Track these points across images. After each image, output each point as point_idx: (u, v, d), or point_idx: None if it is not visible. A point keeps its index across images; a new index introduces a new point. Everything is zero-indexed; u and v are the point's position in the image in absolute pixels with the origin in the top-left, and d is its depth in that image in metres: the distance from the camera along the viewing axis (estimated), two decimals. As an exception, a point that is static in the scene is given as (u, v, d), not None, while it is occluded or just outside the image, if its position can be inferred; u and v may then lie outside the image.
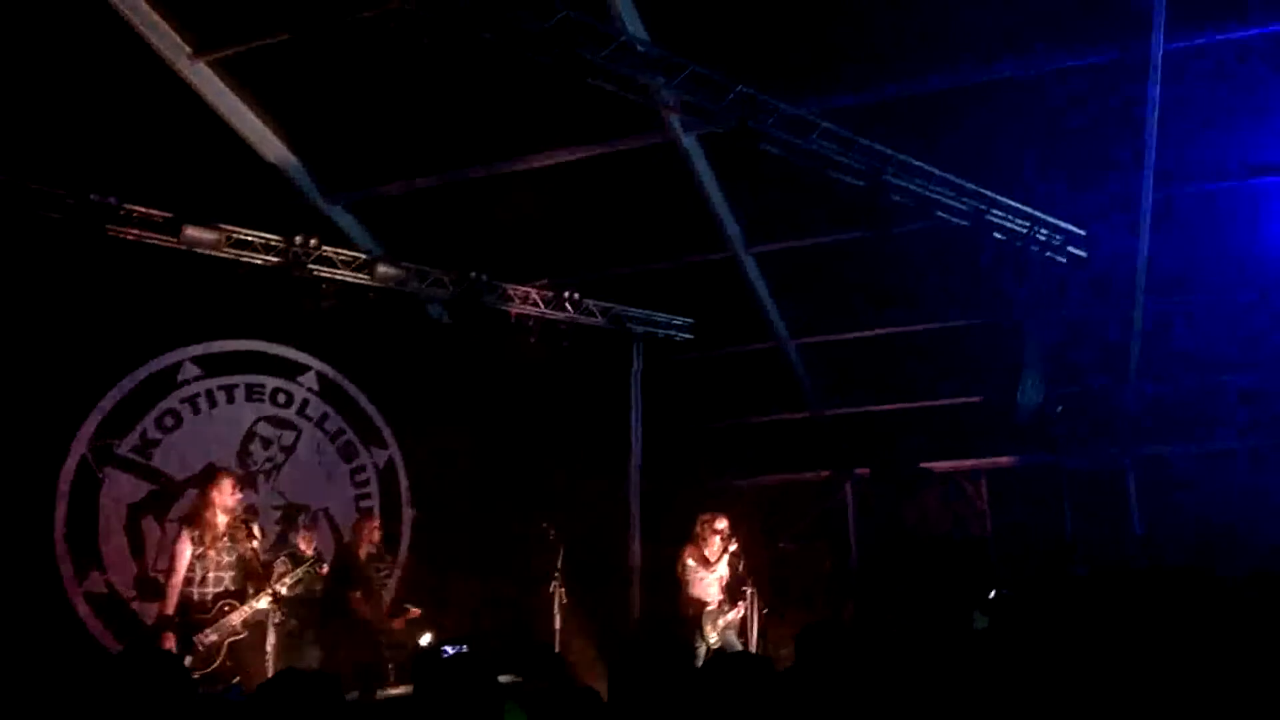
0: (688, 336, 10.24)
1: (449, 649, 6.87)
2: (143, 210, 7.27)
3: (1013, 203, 8.24)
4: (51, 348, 7.24)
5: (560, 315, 9.44)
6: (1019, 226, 8.34)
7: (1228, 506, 9.47)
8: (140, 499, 7.73)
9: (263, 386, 8.58)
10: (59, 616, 7.14)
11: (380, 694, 6.97)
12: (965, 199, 8.03)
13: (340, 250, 8.37)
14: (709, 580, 8.24)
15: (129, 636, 7.33)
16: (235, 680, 6.33)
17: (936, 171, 7.81)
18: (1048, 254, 8.57)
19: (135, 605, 7.52)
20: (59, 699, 6.20)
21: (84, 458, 7.48)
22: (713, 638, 8.02)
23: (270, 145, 8.48)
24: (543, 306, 9.38)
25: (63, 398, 7.44)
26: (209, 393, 8.24)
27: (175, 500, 7.82)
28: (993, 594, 7.19)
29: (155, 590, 7.33)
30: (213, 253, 7.65)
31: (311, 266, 8.08)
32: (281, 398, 8.69)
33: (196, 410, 8.14)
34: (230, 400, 8.37)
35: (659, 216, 9.26)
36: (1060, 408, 8.97)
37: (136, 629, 7.37)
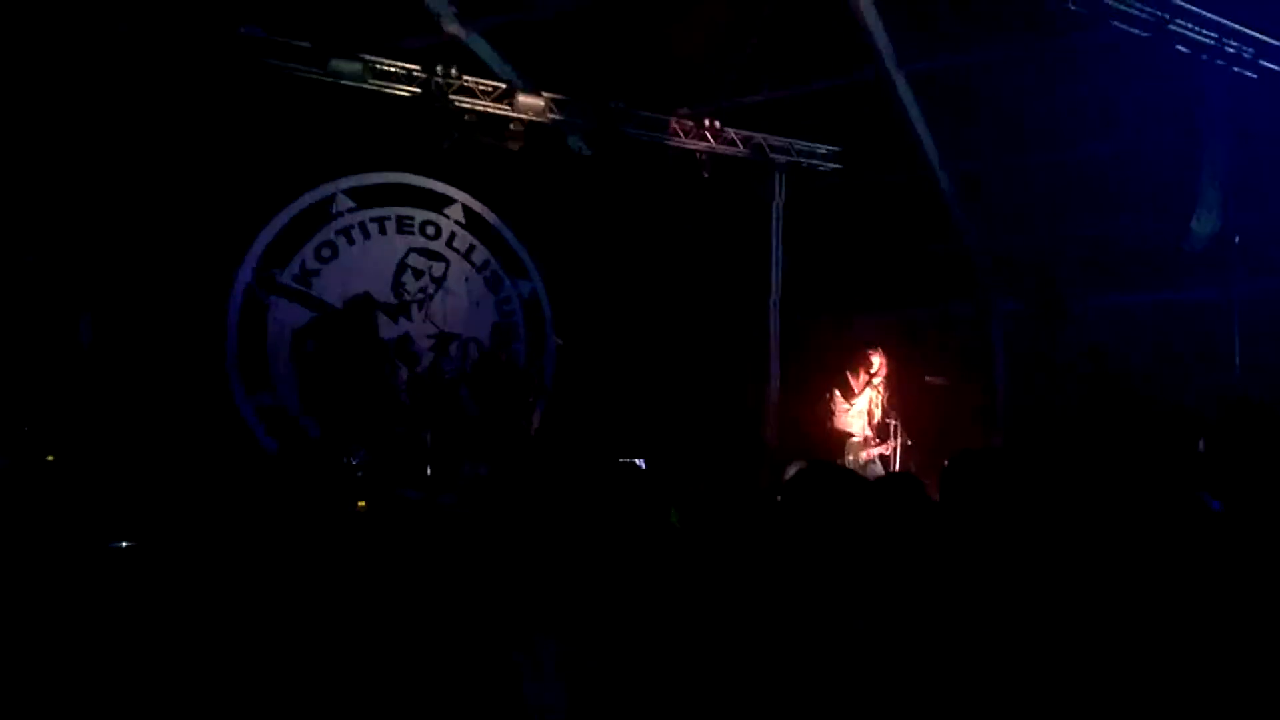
0: (833, 166, 9.87)
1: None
2: (288, 42, 7.43)
3: (1200, 9, 7.48)
4: (214, 184, 7.54)
5: (700, 145, 9.22)
6: (1205, 38, 7.59)
7: None
8: (304, 325, 8.14)
9: (412, 219, 8.77)
10: (232, 431, 7.67)
11: None
12: (1146, 6, 7.33)
13: (481, 80, 8.39)
14: (853, 413, 8.19)
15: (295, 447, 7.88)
16: None
17: (1116, -27, 7.13)
18: (1235, 68, 7.80)
19: (301, 420, 8.03)
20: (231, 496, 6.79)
21: (249, 286, 7.88)
22: (855, 468, 8.03)
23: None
24: (683, 136, 9.18)
25: (227, 231, 7.79)
26: (362, 224, 8.48)
27: (334, 326, 8.20)
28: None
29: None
30: (356, 84, 7.80)
31: (453, 98, 8.14)
32: (430, 230, 8.87)
33: (351, 241, 8.42)
34: (383, 232, 8.61)
35: (803, 35, 8.80)
36: (1238, 237, 8.32)
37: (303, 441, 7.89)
